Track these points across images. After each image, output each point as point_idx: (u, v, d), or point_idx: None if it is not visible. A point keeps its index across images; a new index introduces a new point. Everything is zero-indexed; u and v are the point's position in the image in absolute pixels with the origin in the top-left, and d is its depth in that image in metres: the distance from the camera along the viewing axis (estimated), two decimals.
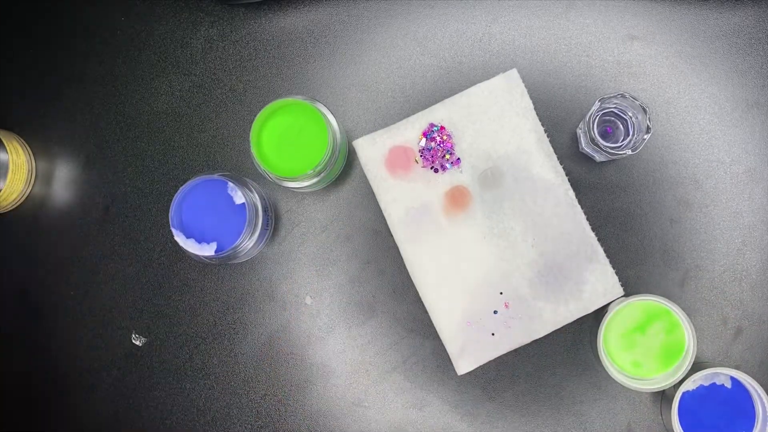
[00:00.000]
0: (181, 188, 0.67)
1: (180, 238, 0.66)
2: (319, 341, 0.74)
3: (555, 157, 0.71)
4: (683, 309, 0.66)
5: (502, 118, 0.72)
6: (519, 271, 0.71)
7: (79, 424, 0.74)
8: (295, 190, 0.71)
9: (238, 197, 0.67)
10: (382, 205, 0.72)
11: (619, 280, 0.71)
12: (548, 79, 0.73)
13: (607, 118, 0.70)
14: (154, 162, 0.75)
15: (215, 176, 0.67)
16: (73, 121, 0.76)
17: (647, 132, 0.66)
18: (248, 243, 0.68)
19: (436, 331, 0.72)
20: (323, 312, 0.74)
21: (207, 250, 0.66)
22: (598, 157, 0.70)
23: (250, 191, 0.69)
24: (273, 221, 0.73)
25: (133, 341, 0.74)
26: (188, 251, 0.66)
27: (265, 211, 0.70)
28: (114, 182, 0.75)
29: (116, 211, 0.75)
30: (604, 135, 0.70)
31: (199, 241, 0.67)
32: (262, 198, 0.70)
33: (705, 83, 0.73)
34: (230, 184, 0.67)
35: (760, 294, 0.72)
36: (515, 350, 0.72)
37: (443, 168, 0.71)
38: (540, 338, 0.71)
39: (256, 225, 0.68)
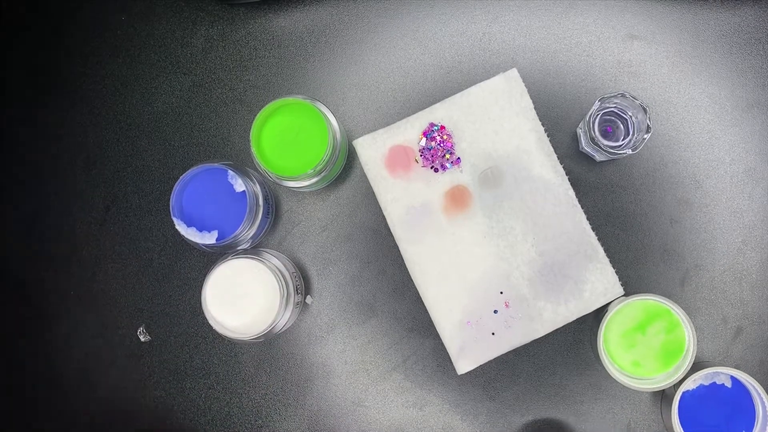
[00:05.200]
0: (181, 177, 0.66)
1: (181, 227, 0.66)
2: (319, 341, 0.74)
3: (555, 156, 0.71)
4: (683, 308, 0.66)
5: (502, 117, 0.72)
6: (519, 271, 0.71)
7: (79, 424, 0.74)
8: (295, 189, 0.72)
9: (239, 185, 0.67)
10: (382, 205, 0.72)
11: (619, 280, 0.71)
12: (548, 78, 0.73)
13: (607, 117, 0.70)
14: (154, 162, 0.75)
15: (216, 165, 0.67)
16: (73, 121, 0.76)
17: (647, 132, 0.67)
18: (249, 231, 0.68)
19: (436, 331, 0.72)
20: (323, 312, 0.74)
21: (208, 239, 0.66)
22: (598, 157, 0.71)
23: (251, 180, 0.69)
24: (274, 210, 0.73)
25: (139, 335, 0.74)
26: (189, 240, 0.66)
27: (265, 199, 0.70)
28: (114, 182, 0.75)
29: (116, 211, 0.75)
30: (605, 135, 0.70)
31: (200, 229, 0.67)
32: (262, 187, 0.70)
33: (705, 83, 0.73)
34: (230, 172, 0.67)
35: (760, 294, 0.72)
36: (515, 350, 0.72)
37: (443, 168, 0.71)
38: (540, 338, 0.71)
39: (257, 213, 0.68)
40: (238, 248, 0.70)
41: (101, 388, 0.74)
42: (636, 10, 0.74)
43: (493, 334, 0.71)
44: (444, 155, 0.71)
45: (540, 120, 0.72)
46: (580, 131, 0.71)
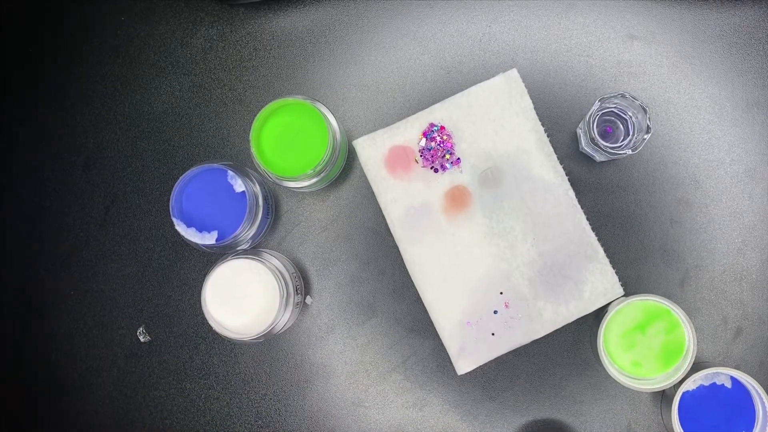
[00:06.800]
0: (181, 177, 0.66)
1: (181, 228, 0.66)
2: (319, 341, 0.74)
3: (555, 157, 0.71)
4: (683, 309, 0.66)
5: (502, 117, 0.72)
6: (519, 271, 0.71)
7: (79, 424, 0.74)
8: (295, 189, 0.72)
9: (239, 185, 0.67)
10: (382, 205, 0.72)
11: (619, 280, 0.71)
12: (548, 79, 0.73)
13: (607, 118, 0.70)
14: (154, 162, 0.75)
15: (215, 165, 0.67)
16: (73, 121, 0.76)
17: (647, 132, 0.67)
18: (249, 232, 0.68)
19: (436, 331, 0.72)
20: (323, 312, 0.74)
21: (208, 239, 0.66)
22: (598, 157, 0.70)
23: (251, 180, 0.69)
24: (273, 210, 0.73)
25: (139, 336, 0.74)
26: (189, 240, 0.66)
27: (265, 199, 0.70)
28: (114, 182, 0.75)
29: (116, 211, 0.75)
30: (604, 135, 0.70)
31: (200, 230, 0.67)
32: (262, 187, 0.70)
33: (705, 83, 0.73)
34: (230, 172, 0.67)
35: (760, 294, 0.72)
36: (515, 350, 0.72)
37: (443, 168, 0.71)
38: (540, 338, 0.71)
39: (256, 214, 0.68)
40: (238, 248, 0.70)
41: (101, 388, 0.74)
42: (636, 10, 0.74)
43: (492, 334, 0.71)
44: (444, 155, 0.71)
45: (540, 120, 0.72)
46: (579, 131, 0.71)
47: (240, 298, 0.66)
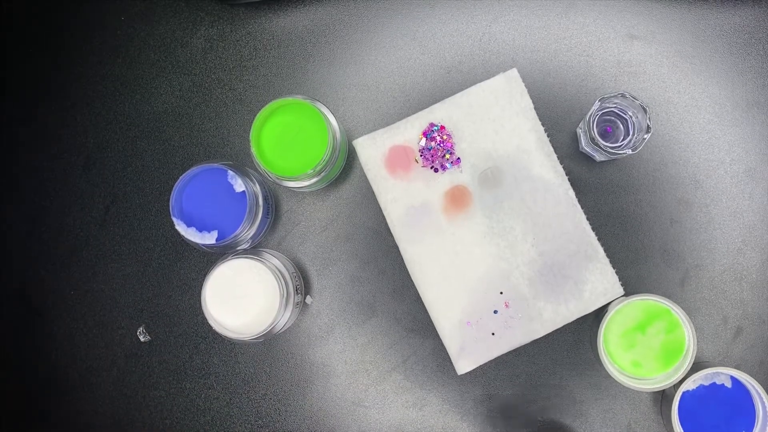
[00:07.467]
0: (181, 177, 0.66)
1: (181, 227, 0.66)
2: (319, 341, 0.74)
3: (555, 156, 0.71)
4: (683, 309, 0.66)
5: (502, 117, 0.72)
6: (519, 271, 0.71)
7: (79, 424, 0.74)
8: (295, 189, 0.72)
9: (239, 185, 0.67)
10: (382, 205, 0.72)
11: (619, 280, 0.71)
12: (548, 78, 0.73)
13: (607, 117, 0.70)
14: (154, 162, 0.75)
15: (215, 165, 0.67)
16: (73, 121, 0.76)
17: (647, 132, 0.67)
18: (249, 232, 0.68)
19: (436, 331, 0.72)
20: (323, 312, 0.74)
21: (208, 239, 0.66)
22: (598, 157, 0.70)
23: (251, 180, 0.69)
24: (273, 210, 0.73)
25: (139, 335, 0.74)
26: (189, 240, 0.66)
27: (265, 199, 0.70)
28: (114, 182, 0.75)
29: (116, 211, 0.75)
30: (604, 135, 0.70)
31: (200, 229, 0.67)
32: (262, 187, 0.70)
33: (705, 83, 0.73)
34: (230, 172, 0.67)
35: (760, 294, 0.72)
36: (515, 350, 0.72)
37: (443, 168, 0.71)
38: (540, 338, 0.71)
39: (256, 213, 0.68)
40: (238, 248, 0.70)
41: (101, 388, 0.74)
42: (636, 10, 0.74)
43: (493, 334, 0.71)
44: (444, 155, 0.71)
45: (540, 120, 0.72)
46: (580, 131, 0.71)
47: (240, 298, 0.66)
